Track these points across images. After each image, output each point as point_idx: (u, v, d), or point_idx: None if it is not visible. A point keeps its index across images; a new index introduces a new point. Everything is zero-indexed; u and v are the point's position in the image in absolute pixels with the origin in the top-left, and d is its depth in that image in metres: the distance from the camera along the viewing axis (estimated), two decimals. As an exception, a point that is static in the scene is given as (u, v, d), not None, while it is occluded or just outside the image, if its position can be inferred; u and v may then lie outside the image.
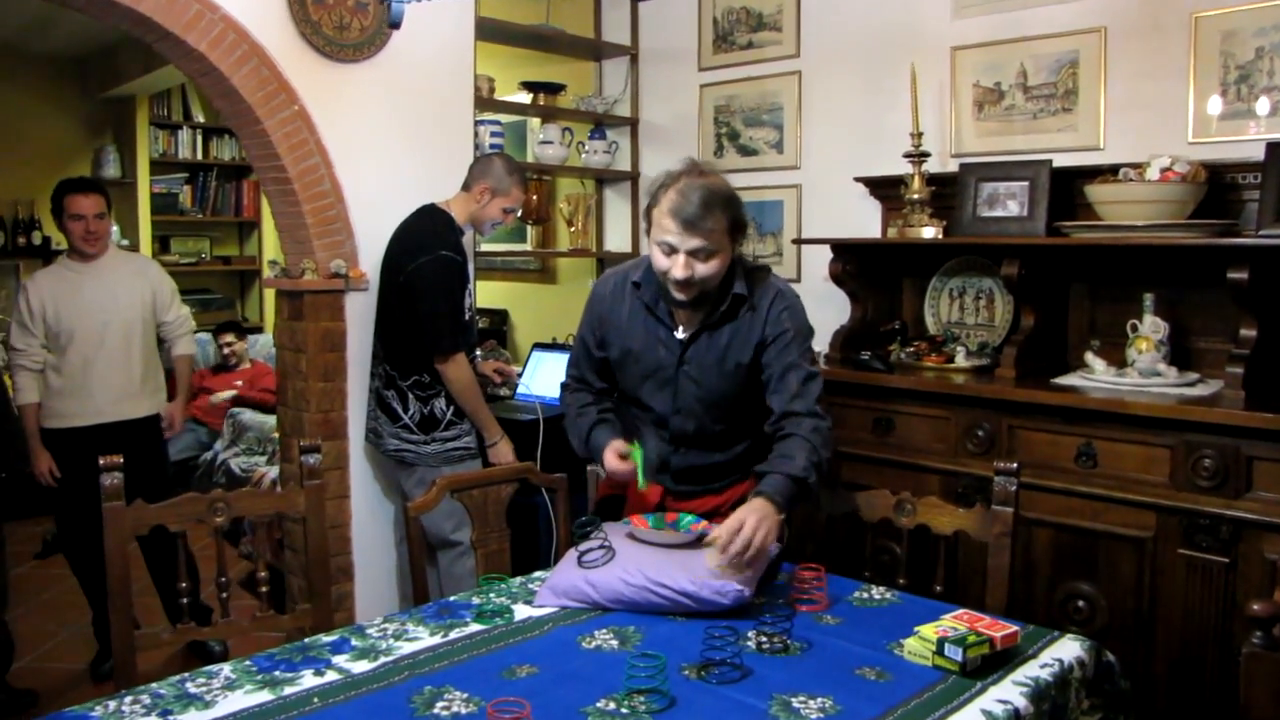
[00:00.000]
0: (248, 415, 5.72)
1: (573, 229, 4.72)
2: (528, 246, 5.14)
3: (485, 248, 5.11)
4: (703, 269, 2.22)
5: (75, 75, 6.82)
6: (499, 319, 5.49)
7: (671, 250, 2.22)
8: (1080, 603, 2.78)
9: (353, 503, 3.81)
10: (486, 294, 5.36)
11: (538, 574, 2.21)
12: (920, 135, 3.33)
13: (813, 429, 2.22)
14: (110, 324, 3.80)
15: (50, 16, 5.46)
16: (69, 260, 3.85)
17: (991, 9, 3.47)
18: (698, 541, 2.11)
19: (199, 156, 7.25)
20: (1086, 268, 3.21)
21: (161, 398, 4.05)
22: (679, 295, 2.26)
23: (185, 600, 2.30)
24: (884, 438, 3.17)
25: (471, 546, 2.43)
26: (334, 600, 3.80)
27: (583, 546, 2.07)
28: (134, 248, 6.82)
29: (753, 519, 1.99)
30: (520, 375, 4.24)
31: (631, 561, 2.02)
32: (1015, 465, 2.14)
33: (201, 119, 7.22)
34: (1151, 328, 2.91)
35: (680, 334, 2.35)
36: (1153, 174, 2.86)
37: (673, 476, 2.43)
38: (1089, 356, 2.99)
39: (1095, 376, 2.91)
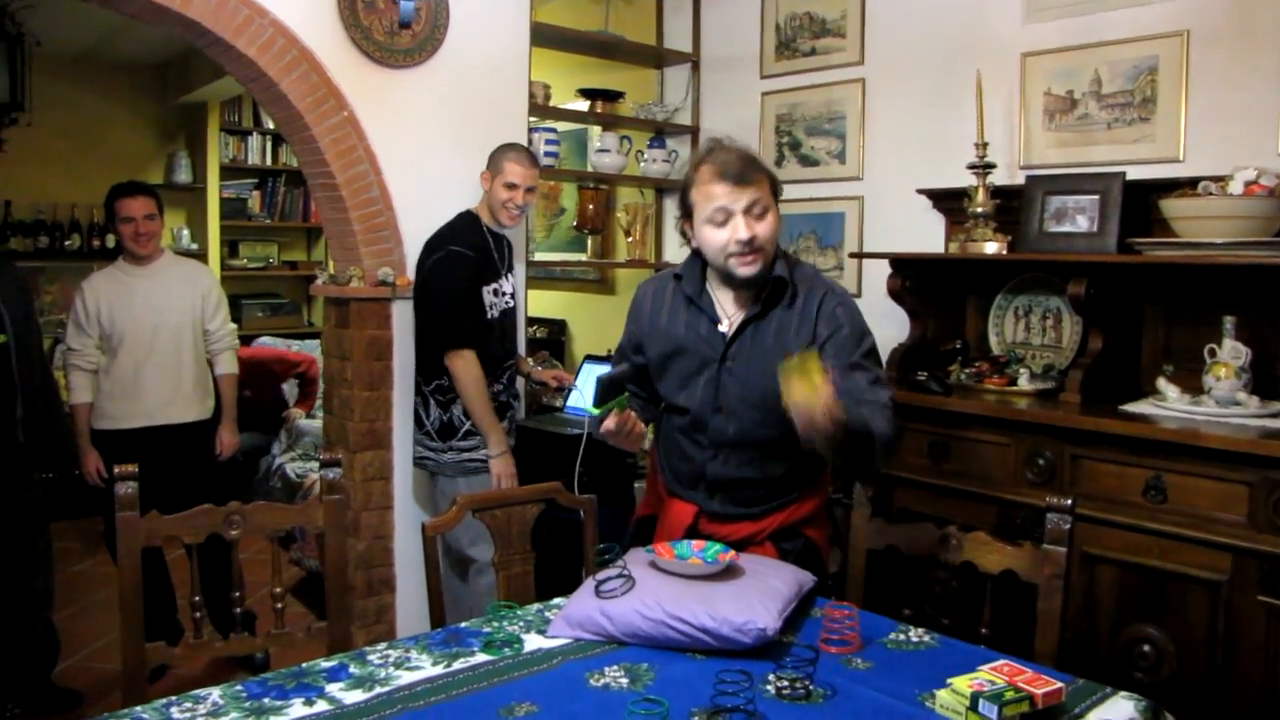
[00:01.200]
0: (303, 421, 5.72)
1: (630, 239, 4.62)
2: (585, 256, 5.06)
3: (542, 257, 5.07)
4: (762, 228, 2.16)
5: (151, 82, 6.95)
6: (556, 329, 5.42)
7: (726, 217, 2.16)
8: (1146, 648, 2.57)
9: (396, 513, 3.77)
10: (545, 303, 5.30)
11: (556, 600, 2.10)
12: (985, 145, 3.16)
13: (885, 405, 2.13)
14: (161, 328, 3.81)
15: (126, 24, 5.54)
16: (123, 263, 3.87)
17: (1065, 12, 3.29)
18: (724, 573, 1.98)
19: (268, 162, 7.31)
20: (1161, 288, 3.00)
21: (210, 404, 4.04)
22: (746, 268, 2.18)
23: (198, 614, 2.25)
24: (940, 463, 3.00)
25: (493, 568, 2.33)
26: (375, 612, 3.78)
27: (600, 575, 1.96)
28: (203, 252, 6.92)
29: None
30: (572, 386, 4.15)
31: (650, 593, 1.90)
32: (1069, 501, 1.97)
33: (271, 125, 7.28)
34: (1231, 353, 2.70)
35: (723, 328, 2.27)
36: (1236, 188, 2.66)
37: (708, 488, 2.31)
38: (1162, 383, 2.79)
39: (1168, 404, 2.71)
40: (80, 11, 5.53)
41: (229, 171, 7.15)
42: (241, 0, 3.31)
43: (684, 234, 2.31)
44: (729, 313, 2.28)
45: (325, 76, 3.49)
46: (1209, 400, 2.68)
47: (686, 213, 2.27)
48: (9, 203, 6.44)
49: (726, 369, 2.26)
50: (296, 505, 2.35)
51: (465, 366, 3.33)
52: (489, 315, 3.43)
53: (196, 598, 2.25)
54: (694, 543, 2.11)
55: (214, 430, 4.02)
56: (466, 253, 3.36)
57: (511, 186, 3.43)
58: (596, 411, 2.08)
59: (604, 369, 3.93)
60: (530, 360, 3.97)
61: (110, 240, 6.73)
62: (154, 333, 3.79)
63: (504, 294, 3.51)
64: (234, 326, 4.13)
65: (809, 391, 1.85)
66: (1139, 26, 3.14)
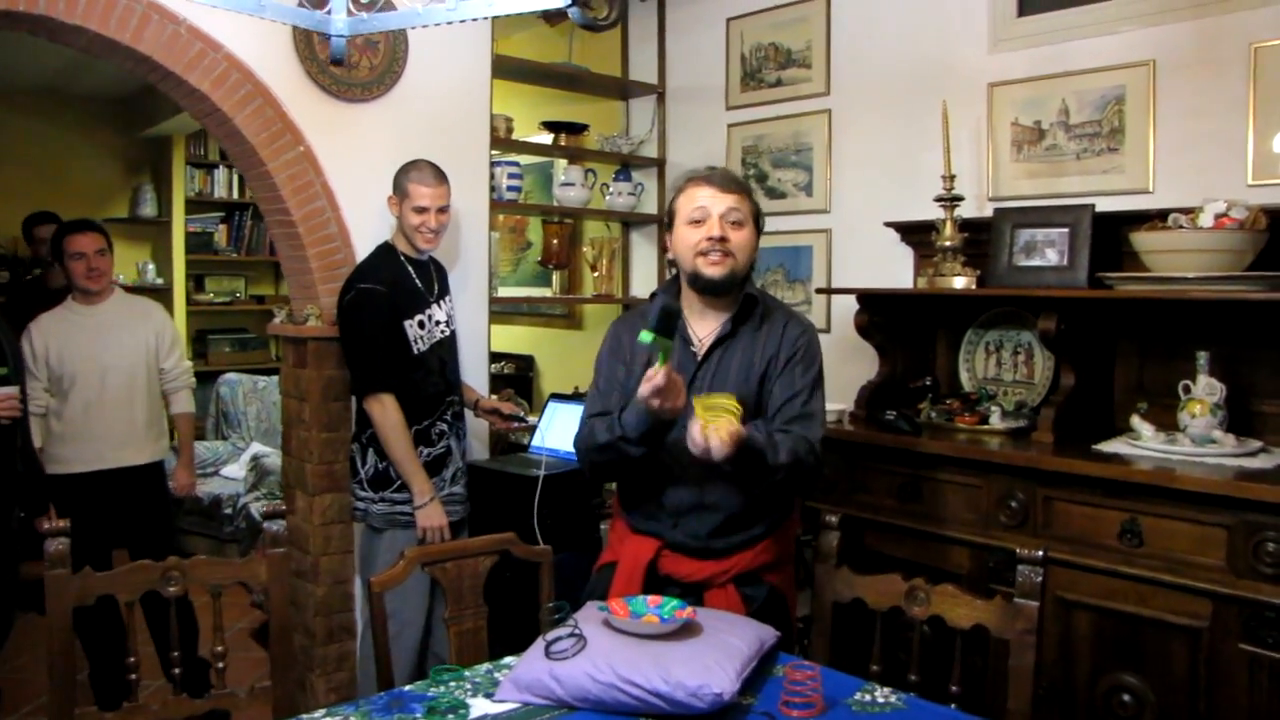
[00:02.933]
0: (271, 459, 5.60)
1: (597, 274, 4.55)
2: (551, 292, 4.97)
3: (508, 292, 4.98)
4: (736, 236, 2.25)
5: (115, 115, 6.85)
6: (524, 365, 5.32)
7: (704, 216, 2.25)
8: (1126, 697, 2.49)
9: (357, 557, 3.64)
10: (512, 340, 5.21)
11: (507, 660, 2.00)
12: (953, 178, 3.10)
13: (803, 446, 2.21)
14: (112, 367, 3.71)
15: (88, 58, 5.43)
16: (73, 303, 3.77)
17: (1031, 42, 3.25)
18: (681, 631, 1.89)
19: (234, 196, 7.21)
20: (1133, 323, 2.94)
21: (165, 444, 3.94)
22: (713, 268, 2.24)
23: (133, 675, 2.14)
24: (909, 505, 2.92)
25: (444, 624, 2.23)
26: (336, 660, 3.65)
27: (550, 635, 1.86)
28: (169, 287, 6.82)
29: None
30: (536, 425, 4.04)
31: (602, 654, 1.80)
32: (1040, 552, 1.89)
33: (238, 159, 7.20)
34: (1206, 389, 2.64)
35: (695, 347, 2.31)
36: (1206, 220, 2.61)
37: (671, 514, 2.27)
38: (1135, 420, 2.72)
39: (1142, 443, 2.64)
40: (39, 46, 5.44)
41: (195, 205, 7.05)
42: (194, 34, 3.23)
43: (664, 248, 2.45)
44: (700, 335, 2.32)
45: (281, 111, 3.41)
46: (1184, 439, 2.61)
47: (670, 221, 2.35)
48: (-32, 238, 6.33)
49: (695, 390, 2.25)
50: (238, 560, 2.22)
51: (382, 412, 3.15)
52: (415, 350, 3.25)
53: (131, 659, 2.14)
54: (650, 598, 2.01)
55: (167, 471, 3.91)
56: (376, 289, 3.20)
57: (421, 210, 3.27)
58: (650, 338, 1.99)
59: (571, 407, 3.86)
60: (490, 396, 3.85)
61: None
62: (105, 373, 3.69)
63: (435, 323, 3.33)
64: (189, 365, 4.02)
65: (711, 428, 1.99)
66: (1105, 56, 3.10)
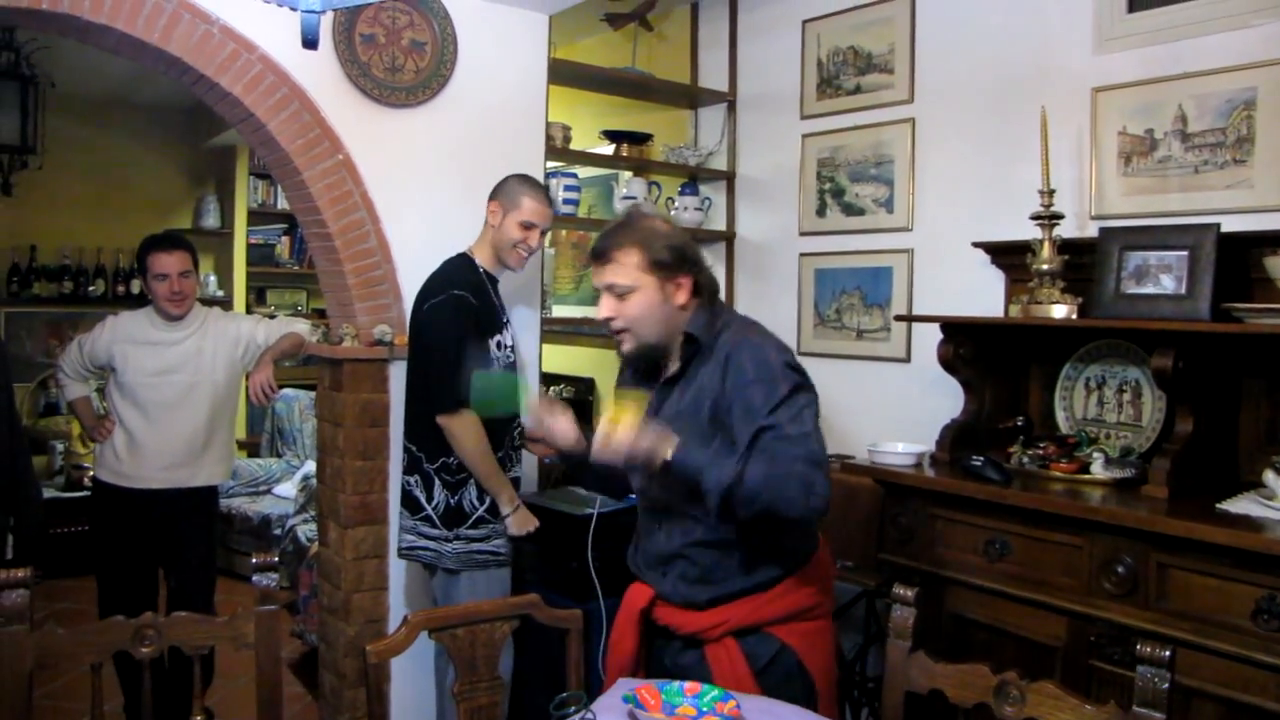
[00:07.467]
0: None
1: (659, 292, 4.25)
2: (610, 310, 4.70)
3: (564, 313, 4.72)
4: (626, 308, 2.06)
5: (180, 124, 6.78)
6: (584, 388, 5.05)
7: (598, 294, 2.13)
8: (1258, 808, 2.11)
9: (391, 595, 3.41)
10: (571, 361, 4.96)
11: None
12: (1052, 193, 2.75)
13: (772, 469, 1.89)
14: (184, 390, 3.53)
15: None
16: (154, 315, 3.56)
17: (1143, 41, 2.87)
18: (720, 730, 1.59)
19: (298, 208, 7.10)
20: (1265, 361, 2.54)
21: (225, 468, 3.73)
22: (622, 344, 2.11)
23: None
24: (997, 564, 2.56)
25: (453, 698, 1.95)
26: (367, 703, 3.40)
27: (564, 730, 1.57)
28: (229, 299, 6.71)
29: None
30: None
31: (622, 759, 1.51)
32: (1168, 652, 1.54)
33: (303, 170, 7.09)
34: (1354, 442, 2.25)
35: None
36: (1358, 244, 2.22)
37: (661, 563, 2.11)
38: (1269, 476, 2.32)
39: (1277, 504, 2.25)
40: (100, 54, 5.36)
41: (257, 216, 6.96)
42: (228, 34, 3.04)
43: None
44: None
45: (319, 116, 3.20)
46: (1330, 500, 2.22)
47: None
48: (34, 247, 6.29)
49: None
50: (222, 618, 1.96)
51: (464, 427, 2.86)
52: (497, 368, 2.99)
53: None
54: (688, 685, 1.71)
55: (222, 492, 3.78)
56: (470, 299, 2.92)
57: (529, 226, 3.00)
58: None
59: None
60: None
61: (136, 286, 6.57)
62: (175, 395, 3.51)
63: (505, 347, 3.06)
64: (278, 318, 3.91)
65: (613, 423, 1.87)
66: (1231, 54, 2.71)
